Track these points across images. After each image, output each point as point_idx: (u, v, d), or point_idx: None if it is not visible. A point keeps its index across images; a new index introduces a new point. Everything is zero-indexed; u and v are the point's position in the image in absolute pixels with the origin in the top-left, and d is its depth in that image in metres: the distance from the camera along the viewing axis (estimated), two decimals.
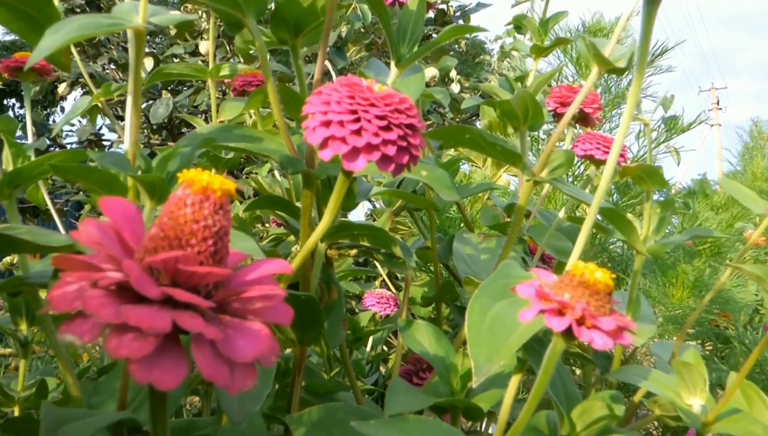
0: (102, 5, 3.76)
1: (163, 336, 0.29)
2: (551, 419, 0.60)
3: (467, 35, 4.63)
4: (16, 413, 0.87)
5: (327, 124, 0.45)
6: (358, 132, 0.45)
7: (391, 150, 0.45)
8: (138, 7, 0.54)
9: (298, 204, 0.74)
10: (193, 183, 0.32)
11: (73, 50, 1.23)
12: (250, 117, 1.14)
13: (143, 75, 0.64)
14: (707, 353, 1.52)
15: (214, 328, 0.30)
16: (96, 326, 0.29)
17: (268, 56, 0.65)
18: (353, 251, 0.85)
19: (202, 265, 0.32)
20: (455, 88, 3.71)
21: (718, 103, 17.24)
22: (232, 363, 0.31)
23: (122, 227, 0.33)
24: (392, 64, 0.73)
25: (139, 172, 0.55)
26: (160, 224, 0.32)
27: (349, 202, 0.76)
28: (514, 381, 0.61)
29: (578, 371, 1.38)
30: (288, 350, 0.85)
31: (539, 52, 1.17)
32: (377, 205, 2.14)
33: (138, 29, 0.55)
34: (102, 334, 0.29)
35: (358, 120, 0.45)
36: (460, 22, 3.97)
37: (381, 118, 0.45)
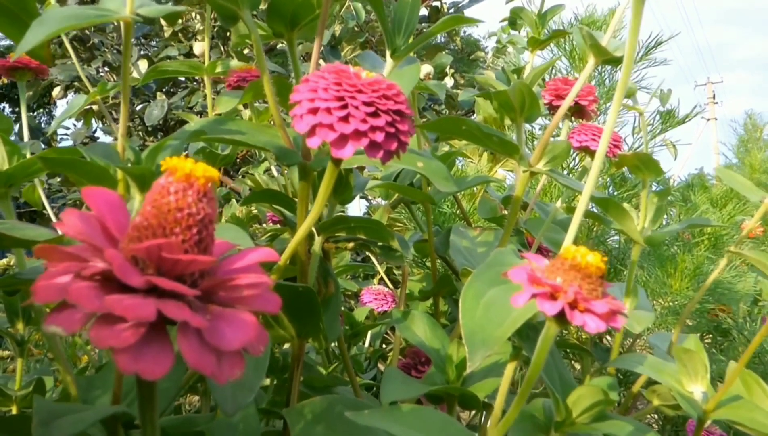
0: None
1: (148, 325, 0.29)
2: (547, 406, 0.59)
3: (462, 33, 4.64)
4: (14, 412, 0.87)
5: (314, 111, 0.45)
6: (345, 118, 0.44)
7: (379, 136, 0.45)
8: None
9: (294, 199, 0.74)
10: (176, 171, 0.32)
11: (71, 52, 1.22)
12: (246, 113, 1.13)
13: (137, 76, 0.64)
14: (706, 345, 1.52)
15: (199, 316, 0.30)
16: (80, 316, 0.29)
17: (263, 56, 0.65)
18: (350, 245, 0.85)
19: (186, 253, 0.31)
20: (449, 82, 3.71)
21: (714, 98, 17.25)
22: (219, 352, 0.30)
23: (106, 217, 0.33)
24: (388, 55, 0.72)
25: (129, 165, 0.55)
26: (144, 213, 0.32)
27: (345, 195, 0.75)
28: (510, 369, 0.61)
29: (578, 366, 1.38)
30: (286, 345, 0.85)
31: (536, 44, 1.17)
32: (373, 203, 2.14)
33: (126, 20, 0.54)
34: (87, 324, 0.29)
35: (345, 106, 0.44)
36: None
37: (368, 104, 0.45)
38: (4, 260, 1.57)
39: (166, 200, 0.32)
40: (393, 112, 0.46)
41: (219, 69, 1.02)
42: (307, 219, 0.54)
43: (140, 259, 0.31)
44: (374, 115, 0.45)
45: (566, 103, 0.75)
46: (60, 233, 0.49)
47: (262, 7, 0.76)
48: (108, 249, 0.30)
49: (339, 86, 0.45)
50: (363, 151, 0.45)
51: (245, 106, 1.04)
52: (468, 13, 4.18)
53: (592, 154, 0.93)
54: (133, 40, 0.68)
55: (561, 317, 0.37)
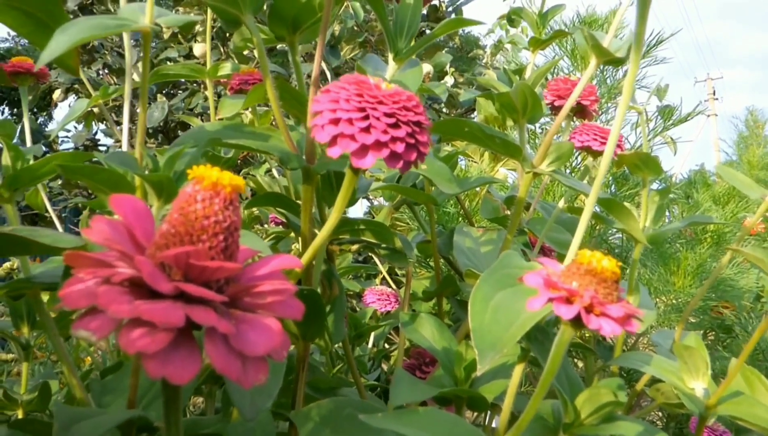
0: (95, 11, 3.77)
1: (176, 331, 0.30)
2: (555, 408, 0.60)
3: (461, 31, 4.64)
4: (20, 415, 0.87)
5: (336, 121, 0.45)
6: (366, 129, 0.45)
7: (399, 147, 0.45)
8: (144, 8, 0.54)
9: (297, 202, 0.75)
10: (203, 179, 0.33)
11: None
12: (247, 116, 1.14)
13: (137, 78, 0.64)
14: (709, 342, 1.52)
15: (226, 322, 0.30)
16: (109, 321, 0.29)
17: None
18: (354, 246, 0.85)
19: (213, 260, 0.32)
20: (449, 80, 3.71)
21: (714, 94, 17.22)
22: (244, 357, 0.31)
23: (133, 224, 0.33)
24: (390, 58, 0.73)
25: (147, 172, 0.56)
26: (171, 221, 0.33)
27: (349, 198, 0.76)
28: (518, 371, 0.61)
29: (580, 364, 1.39)
30: (291, 347, 0.86)
31: (538, 44, 1.17)
32: (375, 203, 2.14)
33: (145, 30, 0.55)
34: (115, 330, 0.29)
35: (366, 117, 0.45)
36: (453, 17, 3.99)
37: (389, 115, 0.45)
38: (7, 264, 1.57)
39: (193, 208, 0.32)
40: (413, 124, 0.46)
41: (221, 72, 1.02)
42: (325, 227, 0.55)
43: (168, 265, 0.32)
44: (395, 126, 0.45)
45: (569, 104, 0.76)
46: (76, 239, 0.50)
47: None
48: (138, 256, 0.30)
49: (360, 97, 0.46)
50: (382, 160, 0.46)
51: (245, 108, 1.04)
52: (466, 10, 4.19)
53: (593, 153, 0.93)
54: (132, 41, 0.69)
55: (577, 321, 0.38)
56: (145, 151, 0.56)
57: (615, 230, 1.47)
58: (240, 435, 0.58)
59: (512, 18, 1.33)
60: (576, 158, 1.57)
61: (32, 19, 0.52)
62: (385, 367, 1.32)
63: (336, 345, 0.95)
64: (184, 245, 0.32)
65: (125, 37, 0.58)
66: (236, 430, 0.59)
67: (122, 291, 0.30)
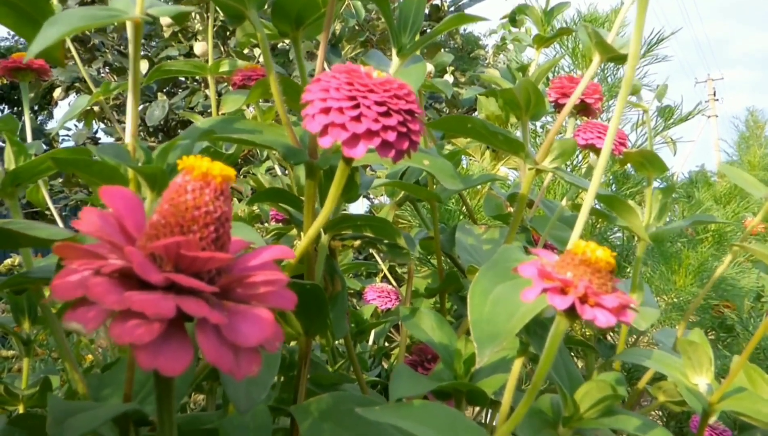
0: None
1: (167, 322, 0.29)
2: (555, 402, 0.60)
3: (462, 30, 4.64)
4: (21, 411, 0.87)
5: (326, 111, 0.45)
6: (357, 118, 0.45)
7: (391, 136, 0.45)
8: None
9: (301, 197, 0.75)
10: (193, 169, 0.32)
11: (74, 53, 1.23)
12: (250, 113, 1.14)
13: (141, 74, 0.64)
14: (710, 341, 1.52)
15: (218, 313, 0.30)
16: (100, 313, 0.29)
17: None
18: (357, 243, 0.85)
19: (204, 251, 0.32)
20: (449, 79, 3.71)
21: (714, 94, 17.22)
22: (236, 348, 0.31)
23: (123, 216, 0.33)
24: (394, 54, 0.73)
25: (140, 164, 0.55)
26: (161, 211, 0.32)
27: (351, 194, 0.76)
28: (517, 365, 0.61)
29: (581, 363, 1.39)
30: (293, 343, 0.85)
31: (542, 41, 1.16)
32: (376, 201, 2.14)
33: (136, 21, 0.55)
34: (106, 321, 0.29)
35: (357, 106, 0.45)
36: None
37: (380, 104, 0.45)
38: (9, 260, 1.57)
39: (184, 199, 0.32)
40: (404, 112, 0.46)
41: (222, 69, 1.02)
42: (319, 217, 0.55)
43: (158, 256, 0.31)
44: (386, 114, 0.45)
45: (571, 101, 0.76)
46: (69, 233, 0.50)
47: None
48: (128, 246, 0.30)
49: (351, 86, 0.45)
50: (374, 150, 0.45)
51: (248, 104, 1.04)
52: (468, 11, 4.18)
53: (597, 151, 0.93)
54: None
55: (571, 312, 0.37)
56: (138, 143, 0.56)
57: (616, 228, 1.47)
58: (235, 428, 0.58)
59: (515, 17, 1.32)
60: (577, 157, 1.57)
61: (16, 9, 0.51)
62: (385, 365, 1.32)
63: (337, 342, 0.95)
64: (174, 235, 0.31)
65: (129, 30, 0.58)
66: (231, 423, 0.58)
67: (113, 282, 0.30)
